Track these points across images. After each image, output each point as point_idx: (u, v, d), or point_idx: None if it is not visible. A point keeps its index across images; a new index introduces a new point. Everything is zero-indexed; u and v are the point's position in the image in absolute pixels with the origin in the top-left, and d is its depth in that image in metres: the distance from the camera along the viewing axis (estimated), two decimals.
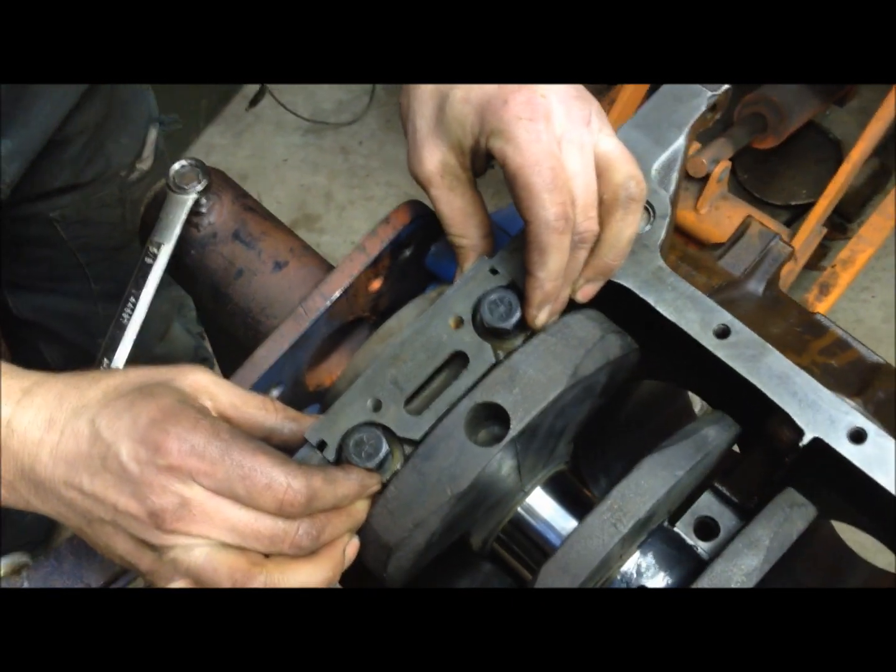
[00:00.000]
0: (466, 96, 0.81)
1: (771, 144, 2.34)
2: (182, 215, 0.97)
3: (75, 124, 1.40)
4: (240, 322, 1.00)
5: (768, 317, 1.09)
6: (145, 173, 1.58)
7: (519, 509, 0.91)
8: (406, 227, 0.95)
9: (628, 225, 0.80)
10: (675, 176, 0.88)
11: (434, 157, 0.84)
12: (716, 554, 0.85)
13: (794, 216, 2.43)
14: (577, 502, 0.92)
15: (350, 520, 0.78)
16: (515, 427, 0.79)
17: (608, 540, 0.75)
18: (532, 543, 0.91)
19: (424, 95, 0.84)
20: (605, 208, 0.80)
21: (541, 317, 0.82)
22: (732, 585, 0.70)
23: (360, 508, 0.79)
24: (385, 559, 0.81)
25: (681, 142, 0.89)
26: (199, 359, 1.95)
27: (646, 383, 1.08)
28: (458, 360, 0.84)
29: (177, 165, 0.99)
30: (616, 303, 0.87)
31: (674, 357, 0.88)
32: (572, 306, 0.86)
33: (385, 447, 0.80)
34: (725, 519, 0.86)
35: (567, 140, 0.78)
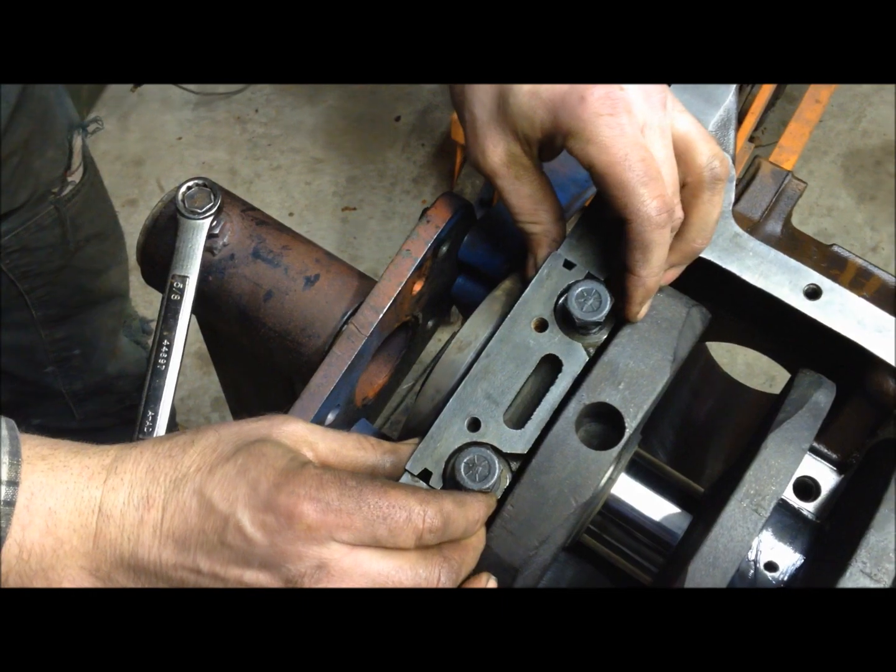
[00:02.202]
0: (534, 90, 0.75)
1: None
2: (201, 241, 0.88)
3: (6, 146, 1.26)
4: (277, 347, 0.93)
5: (793, 256, 1.09)
6: (78, 186, 1.45)
7: (609, 497, 0.88)
8: (447, 224, 0.90)
9: (715, 206, 0.77)
10: (732, 134, 0.85)
11: (498, 149, 0.78)
12: (822, 514, 0.85)
13: None
14: (661, 482, 0.90)
15: (476, 552, 0.73)
16: (631, 425, 0.76)
17: (752, 527, 0.73)
18: (626, 532, 0.89)
19: None
20: (690, 191, 0.76)
21: (643, 312, 0.78)
22: (890, 554, 0.69)
23: (482, 536, 0.75)
24: (511, 581, 0.77)
25: (731, 98, 0.86)
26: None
27: None
28: (548, 365, 0.79)
29: (183, 188, 0.90)
30: (687, 273, 0.84)
31: (755, 322, 0.86)
32: None
33: (498, 466, 0.75)
34: (824, 477, 0.85)
35: (648, 126, 0.74)
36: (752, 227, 1.11)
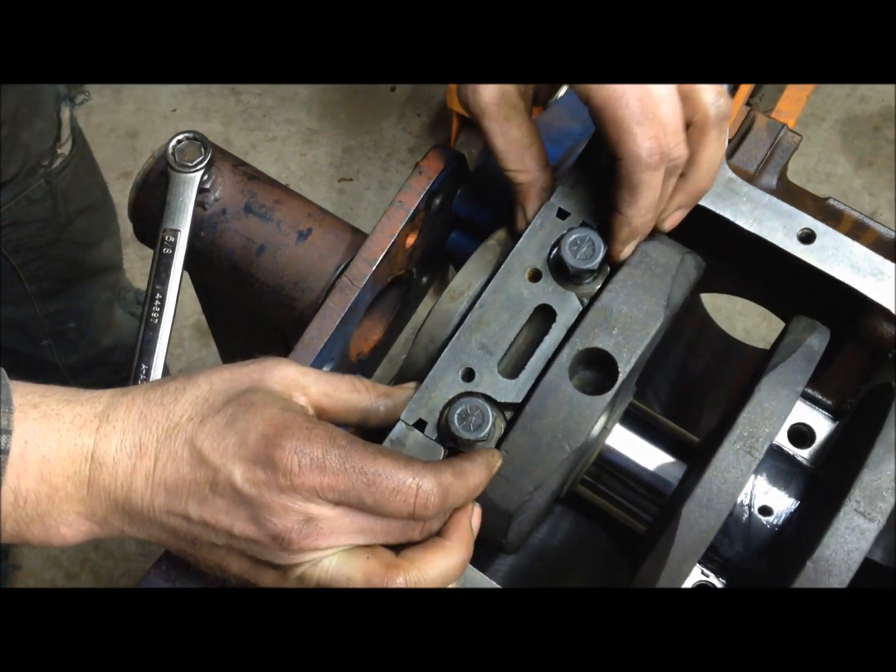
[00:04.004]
0: None
1: None
2: (192, 196, 0.87)
3: None
4: (271, 302, 0.92)
5: None
6: (68, 158, 1.45)
7: (604, 448, 0.88)
8: (439, 175, 0.89)
9: (721, 144, 0.76)
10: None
11: (491, 87, 0.77)
12: (817, 461, 0.85)
13: None
14: (656, 432, 0.90)
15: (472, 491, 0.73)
16: (624, 370, 0.75)
17: (746, 469, 0.72)
18: (621, 482, 0.89)
19: None
20: (696, 130, 0.75)
21: (626, 251, 0.78)
22: (884, 493, 0.69)
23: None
24: (505, 526, 0.77)
25: None
26: None
27: None
28: (542, 315, 0.79)
29: (173, 141, 0.89)
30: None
31: (748, 269, 0.85)
32: None
33: (491, 414, 0.75)
34: (819, 423, 0.85)
35: None
36: (748, 181, 1.10)
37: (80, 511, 0.67)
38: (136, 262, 2.41)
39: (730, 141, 1.15)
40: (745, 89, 2.11)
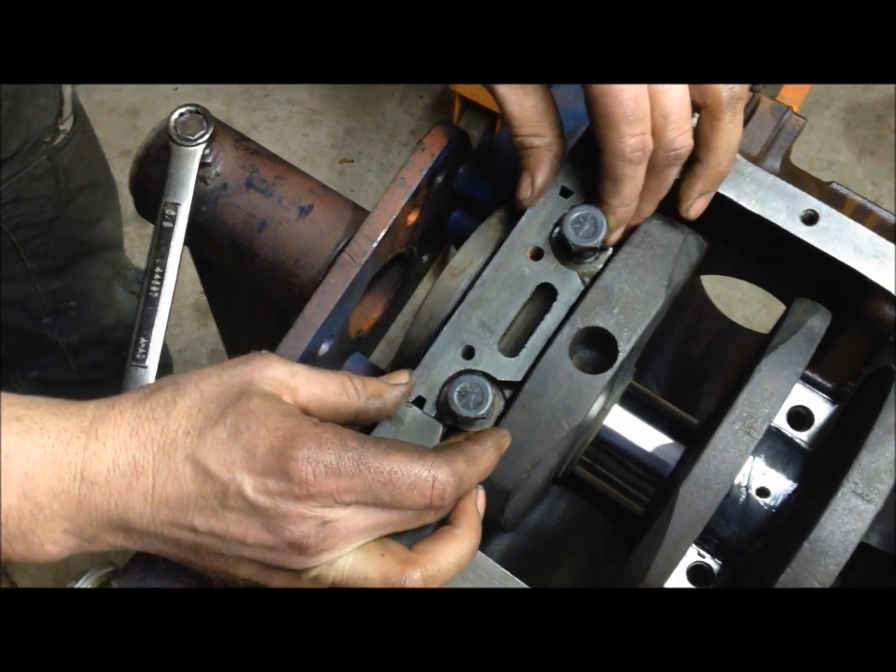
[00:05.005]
0: None
1: None
2: (193, 169, 0.87)
3: None
4: (271, 278, 0.92)
5: None
6: (69, 135, 1.44)
7: (602, 429, 0.88)
8: (443, 152, 0.89)
9: (737, 126, 0.76)
10: None
11: None
12: (816, 443, 0.85)
13: None
14: (655, 414, 0.90)
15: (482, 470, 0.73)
16: (624, 349, 0.75)
17: (744, 449, 0.73)
18: (619, 463, 0.89)
19: None
20: (710, 114, 0.75)
21: (613, 238, 0.79)
22: (882, 475, 0.69)
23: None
24: (503, 504, 0.77)
25: None
26: None
27: None
28: (544, 293, 0.79)
29: (175, 114, 0.88)
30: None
31: (750, 250, 0.85)
32: None
33: (491, 392, 0.75)
34: (818, 406, 0.85)
35: None
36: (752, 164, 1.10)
37: (67, 529, 0.65)
38: (136, 241, 2.40)
39: None
40: None
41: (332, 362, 0.92)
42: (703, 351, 1.12)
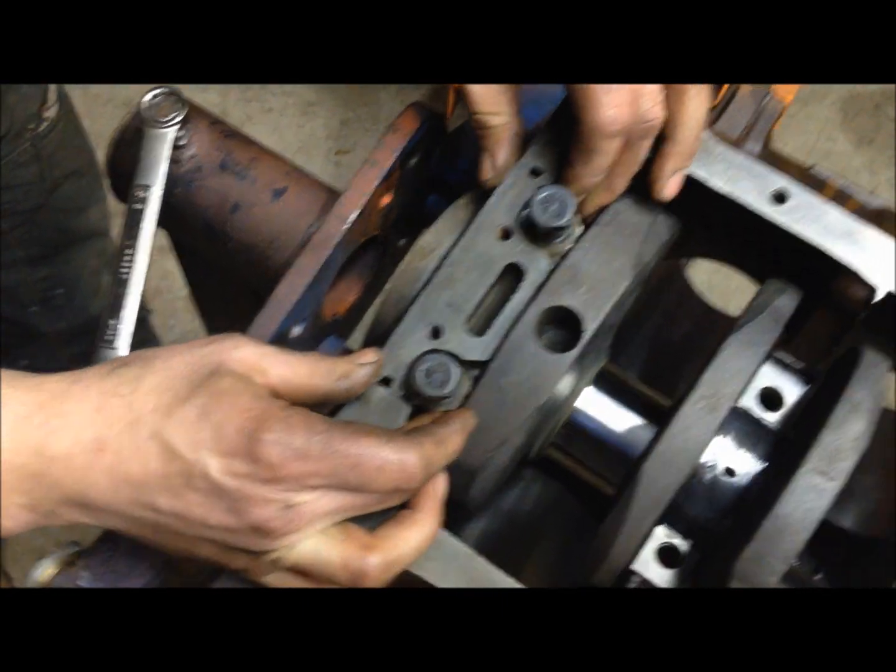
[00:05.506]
0: None
1: None
2: (165, 152, 0.87)
3: None
4: (244, 261, 0.92)
5: None
6: (53, 122, 1.44)
7: (574, 410, 0.88)
8: (415, 134, 0.89)
9: (703, 100, 0.76)
10: None
11: None
12: (786, 424, 0.85)
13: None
14: (628, 396, 0.90)
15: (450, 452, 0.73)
16: (590, 328, 0.75)
17: (708, 427, 0.72)
18: (591, 444, 0.89)
19: None
20: (674, 90, 0.75)
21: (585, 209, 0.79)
22: (844, 453, 0.69)
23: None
24: (469, 483, 0.77)
25: None
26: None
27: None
28: (512, 274, 0.79)
29: (148, 97, 0.89)
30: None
31: (721, 230, 0.85)
32: None
33: (457, 371, 0.75)
34: (789, 387, 0.85)
35: None
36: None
37: (23, 503, 0.64)
38: None
39: (714, 107, 1.14)
40: None
41: (306, 345, 0.92)
42: (682, 336, 1.12)
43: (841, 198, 1.06)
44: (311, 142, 2.74)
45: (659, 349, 1.08)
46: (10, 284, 1.59)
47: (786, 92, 2.48)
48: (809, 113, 2.77)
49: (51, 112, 1.44)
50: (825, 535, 0.90)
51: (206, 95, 2.77)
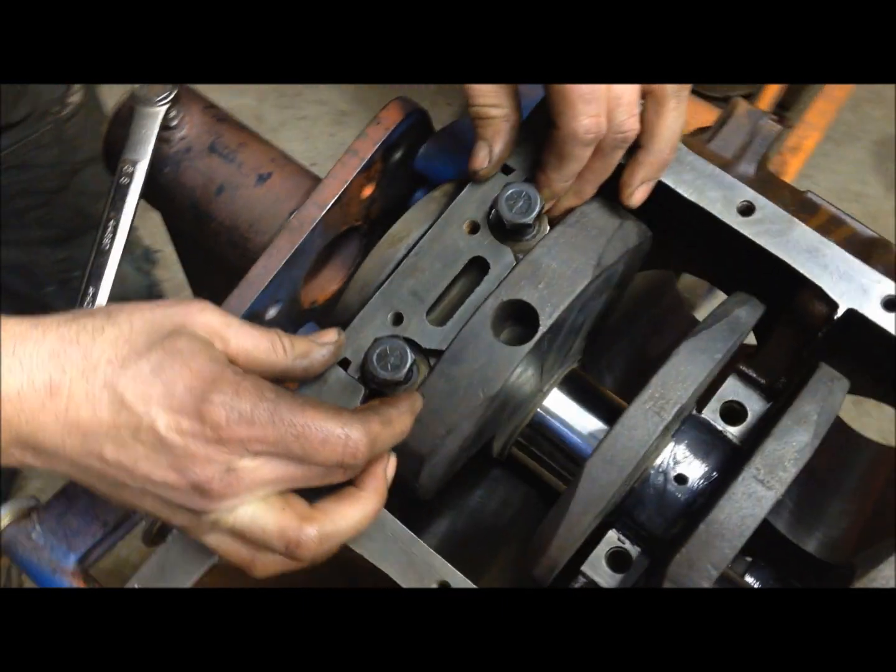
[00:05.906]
0: None
1: None
2: (154, 129, 0.90)
3: None
4: (226, 241, 0.94)
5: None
6: (77, 107, 1.48)
7: (538, 411, 0.89)
8: (398, 127, 0.90)
9: (681, 114, 0.77)
10: None
11: None
12: (746, 438, 0.84)
13: None
14: (594, 400, 0.90)
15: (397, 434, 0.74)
16: (545, 323, 0.76)
17: (653, 428, 0.73)
18: (553, 445, 0.89)
19: None
20: (655, 100, 0.76)
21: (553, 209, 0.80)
22: (786, 463, 0.69)
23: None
24: (418, 468, 0.78)
25: None
26: (153, 297, 1.87)
27: (637, 276, 1.06)
28: (477, 267, 0.80)
29: None
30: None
31: (691, 241, 0.85)
32: None
33: (411, 356, 0.76)
34: (752, 402, 0.84)
35: None
36: (724, 167, 1.10)
37: None
38: (147, 221, 2.45)
39: (709, 128, 1.15)
40: (770, 94, 2.10)
41: (282, 329, 0.94)
42: (665, 348, 1.12)
43: (833, 223, 1.06)
44: (342, 150, 2.76)
45: (639, 359, 1.08)
46: (25, 263, 1.63)
47: (815, 129, 2.45)
48: (842, 155, 2.76)
49: (75, 98, 1.48)
50: (786, 554, 0.89)
51: (243, 100, 2.82)
